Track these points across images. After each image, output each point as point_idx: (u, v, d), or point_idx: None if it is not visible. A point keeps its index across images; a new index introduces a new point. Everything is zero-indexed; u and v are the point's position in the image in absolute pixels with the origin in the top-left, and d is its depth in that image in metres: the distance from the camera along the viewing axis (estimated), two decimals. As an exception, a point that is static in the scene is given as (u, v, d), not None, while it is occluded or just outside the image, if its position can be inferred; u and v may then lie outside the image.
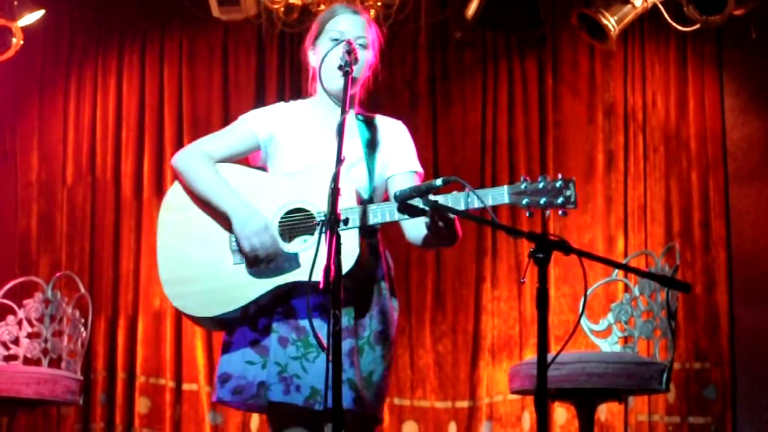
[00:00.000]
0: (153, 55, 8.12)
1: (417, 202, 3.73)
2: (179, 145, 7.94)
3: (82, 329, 6.74)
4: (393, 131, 4.24)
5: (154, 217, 7.87)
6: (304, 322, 3.86)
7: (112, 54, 8.13)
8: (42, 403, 6.39)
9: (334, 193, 3.47)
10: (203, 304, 4.00)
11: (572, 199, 3.71)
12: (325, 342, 3.84)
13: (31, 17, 7.44)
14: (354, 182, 3.98)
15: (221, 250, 4.00)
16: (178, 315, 7.65)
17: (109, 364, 7.76)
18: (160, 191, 7.93)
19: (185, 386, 7.72)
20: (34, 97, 8.10)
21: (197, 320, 4.10)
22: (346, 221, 3.69)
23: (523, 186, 3.73)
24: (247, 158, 4.24)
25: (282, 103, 4.31)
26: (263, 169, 4.21)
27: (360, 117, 4.23)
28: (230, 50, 8.12)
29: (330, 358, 3.40)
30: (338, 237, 3.42)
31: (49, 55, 8.15)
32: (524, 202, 3.73)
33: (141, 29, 8.14)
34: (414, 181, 4.12)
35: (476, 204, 3.76)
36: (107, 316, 7.79)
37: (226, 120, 7.97)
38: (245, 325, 4.01)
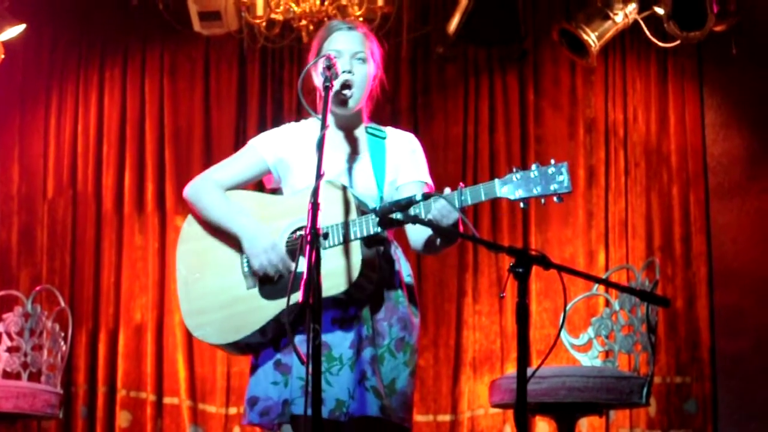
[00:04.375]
0: (134, 69, 8.11)
1: (397, 215, 3.76)
2: (160, 158, 7.95)
3: (62, 343, 6.72)
4: (404, 143, 4.26)
5: (135, 231, 7.89)
6: (326, 337, 3.85)
7: (93, 68, 8.12)
8: (22, 417, 6.37)
9: (314, 209, 3.48)
10: (221, 331, 4.04)
11: (566, 184, 3.71)
12: (352, 352, 3.91)
13: (12, 31, 7.41)
14: (362, 194, 4.02)
15: (236, 276, 4.04)
16: (159, 328, 7.71)
17: (89, 377, 7.74)
18: (140, 205, 7.93)
19: (166, 400, 7.70)
20: (14, 111, 8.08)
21: (221, 347, 4.14)
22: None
23: (515, 177, 3.75)
24: (262, 180, 4.28)
25: (291, 124, 4.31)
26: (278, 190, 4.24)
27: (370, 129, 4.24)
28: (212, 64, 8.12)
29: (310, 371, 3.40)
30: (318, 253, 3.43)
31: (30, 68, 8.14)
32: (517, 194, 3.74)
33: (122, 43, 8.13)
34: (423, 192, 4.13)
35: (469, 202, 3.78)
36: (88, 330, 7.77)
37: (208, 134, 7.99)
38: (269, 346, 4.03)
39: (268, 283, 3.97)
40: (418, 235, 4.11)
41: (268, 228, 4.00)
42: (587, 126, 7.72)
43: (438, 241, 4.01)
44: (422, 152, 4.28)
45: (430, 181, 4.23)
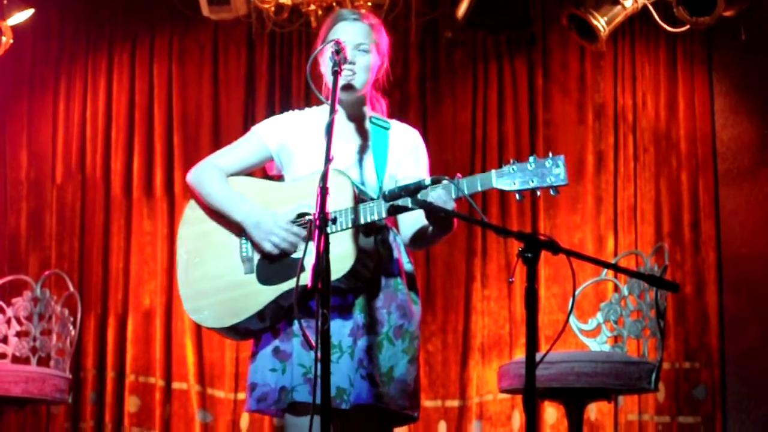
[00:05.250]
0: (143, 53, 8.11)
1: (405, 201, 3.76)
2: (169, 143, 7.95)
3: (71, 328, 6.74)
4: (407, 138, 4.27)
5: (143, 216, 7.90)
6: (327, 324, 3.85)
7: (101, 52, 8.12)
8: (31, 402, 6.38)
9: (323, 193, 3.48)
10: (217, 316, 4.06)
11: (562, 176, 3.71)
12: (351, 340, 3.95)
13: (21, 16, 7.43)
14: (361, 185, 4.02)
15: (234, 260, 4.06)
16: (168, 313, 7.72)
17: (98, 362, 7.75)
18: (149, 190, 7.93)
19: (175, 385, 7.71)
20: (23, 96, 8.09)
21: (218, 332, 4.15)
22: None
23: (511, 168, 3.75)
24: (264, 167, 4.29)
25: (295, 111, 4.32)
26: (280, 177, 4.25)
27: (374, 119, 4.25)
28: (220, 49, 8.11)
29: (318, 356, 3.40)
30: (327, 237, 3.43)
31: (39, 53, 8.14)
32: (514, 185, 3.74)
33: (131, 28, 8.13)
34: None
35: (466, 192, 3.80)
36: (97, 315, 7.78)
37: (216, 119, 7.99)
38: (268, 332, 4.04)
39: (279, 260, 3.96)
40: (410, 226, 4.11)
41: (269, 212, 4.01)
42: (596, 111, 7.71)
43: (430, 230, 4.01)
44: (425, 149, 4.30)
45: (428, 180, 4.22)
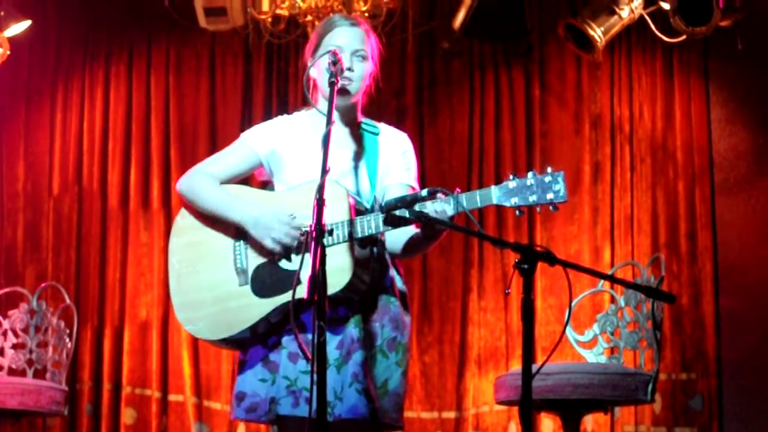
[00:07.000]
0: (140, 65, 8.11)
1: (402, 212, 3.74)
2: (166, 155, 7.95)
3: (67, 340, 6.73)
4: (396, 143, 4.23)
5: (140, 228, 7.89)
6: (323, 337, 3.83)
7: (98, 64, 8.12)
8: (27, 414, 6.38)
9: (320, 205, 3.46)
10: (212, 327, 4.02)
11: (561, 193, 3.67)
12: (339, 354, 3.91)
13: (18, 27, 7.42)
14: (356, 193, 4.00)
15: (228, 272, 4.02)
16: (165, 325, 7.71)
17: (95, 374, 7.74)
18: (146, 201, 7.93)
19: (171, 397, 7.70)
20: (20, 107, 8.08)
21: (211, 342, 4.12)
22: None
23: (511, 185, 3.72)
24: (253, 174, 4.25)
25: (283, 117, 4.27)
26: (269, 183, 4.22)
27: (364, 124, 4.22)
28: (217, 60, 8.12)
29: (314, 369, 3.39)
30: (323, 249, 3.42)
31: (36, 65, 8.14)
32: (513, 201, 3.70)
33: (128, 39, 8.13)
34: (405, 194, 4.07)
35: (465, 207, 3.75)
36: (93, 327, 7.77)
37: (213, 130, 7.99)
38: (258, 343, 4.02)
39: (289, 254, 3.93)
40: (399, 237, 4.07)
41: (267, 208, 3.97)
42: (593, 122, 7.71)
43: (421, 239, 3.97)
44: (413, 154, 4.25)
45: (416, 185, 4.19)
